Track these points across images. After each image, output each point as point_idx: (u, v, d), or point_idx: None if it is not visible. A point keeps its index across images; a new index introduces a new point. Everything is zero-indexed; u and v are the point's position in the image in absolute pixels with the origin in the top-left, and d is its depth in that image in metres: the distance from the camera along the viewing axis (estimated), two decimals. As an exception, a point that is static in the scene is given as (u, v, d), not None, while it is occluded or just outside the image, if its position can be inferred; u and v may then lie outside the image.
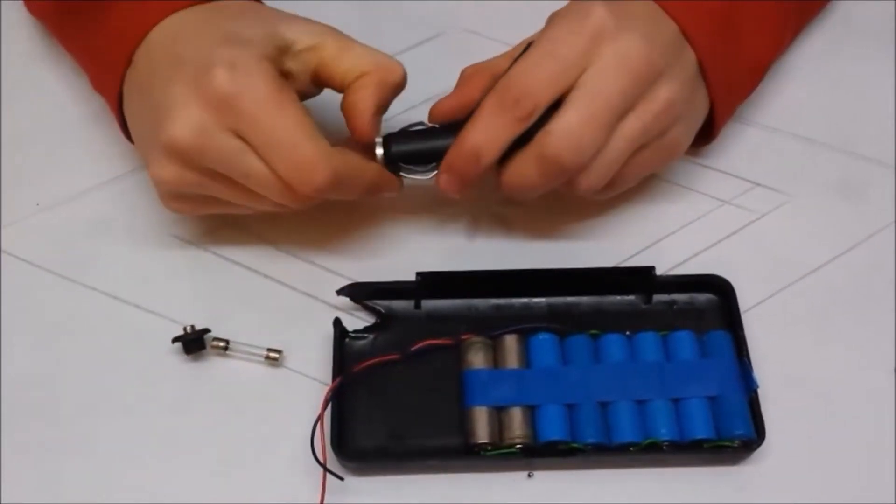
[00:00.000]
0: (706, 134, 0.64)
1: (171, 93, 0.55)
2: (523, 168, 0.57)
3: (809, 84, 0.71)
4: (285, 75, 0.57)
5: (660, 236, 0.64)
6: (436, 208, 0.65)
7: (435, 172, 0.59)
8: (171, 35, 0.58)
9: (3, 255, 0.63)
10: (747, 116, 0.69)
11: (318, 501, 0.54)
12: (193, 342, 0.58)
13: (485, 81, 0.59)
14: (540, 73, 0.56)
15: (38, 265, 0.63)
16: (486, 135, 0.56)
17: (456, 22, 0.72)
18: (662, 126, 0.58)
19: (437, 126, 0.60)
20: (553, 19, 0.58)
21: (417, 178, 0.59)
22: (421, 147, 0.59)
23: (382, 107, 0.58)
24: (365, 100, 0.57)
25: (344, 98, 0.58)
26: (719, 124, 0.64)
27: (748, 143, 0.69)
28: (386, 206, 0.64)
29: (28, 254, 0.63)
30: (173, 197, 0.59)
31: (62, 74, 0.71)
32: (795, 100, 0.70)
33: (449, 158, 0.58)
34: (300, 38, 0.58)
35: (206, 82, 0.54)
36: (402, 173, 0.59)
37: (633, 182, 0.61)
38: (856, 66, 0.72)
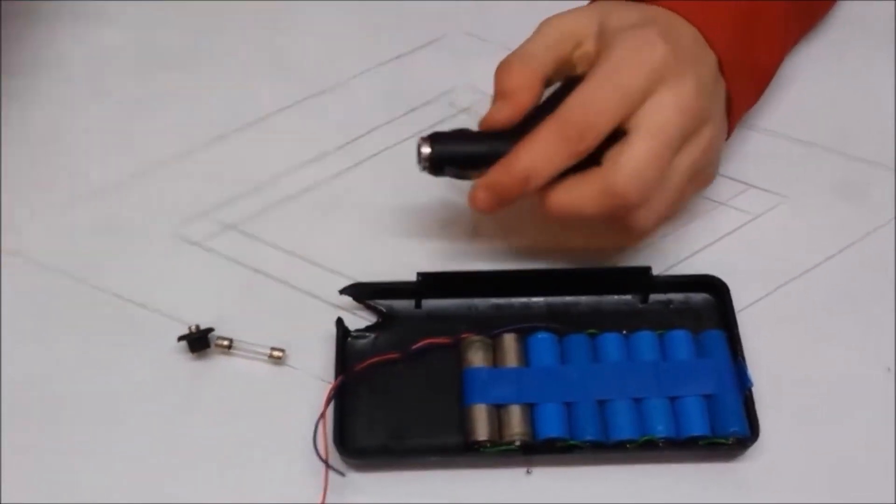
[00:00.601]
0: None
1: None
2: (582, 196, 0.57)
3: (806, 85, 0.71)
4: None
5: (656, 237, 0.65)
6: (437, 209, 0.65)
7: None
8: None
9: (3, 255, 0.63)
10: (743, 118, 0.70)
11: (321, 498, 0.55)
12: (198, 341, 0.59)
13: (535, 86, 0.58)
14: (604, 105, 0.55)
15: (42, 265, 0.63)
16: (542, 161, 0.56)
17: (457, 25, 0.72)
18: (707, 161, 0.60)
19: (485, 133, 0.58)
20: (613, 44, 0.57)
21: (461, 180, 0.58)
22: (468, 150, 0.58)
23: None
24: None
25: None
26: (730, 132, 0.64)
27: (744, 144, 0.69)
28: (388, 207, 0.65)
29: (30, 254, 0.63)
30: None
31: (65, 75, 0.71)
32: (792, 101, 0.71)
33: (495, 177, 0.57)
34: None
35: None
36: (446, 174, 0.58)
37: (674, 216, 0.63)
38: (855, 67, 0.72)
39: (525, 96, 0.57)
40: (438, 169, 0.58)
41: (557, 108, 0.56)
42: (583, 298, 0.62)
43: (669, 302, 0.62)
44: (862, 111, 0.71)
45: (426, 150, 0.57)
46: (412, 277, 0.61)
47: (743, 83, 0.62)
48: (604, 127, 0.55)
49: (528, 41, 0.59)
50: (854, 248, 0.65)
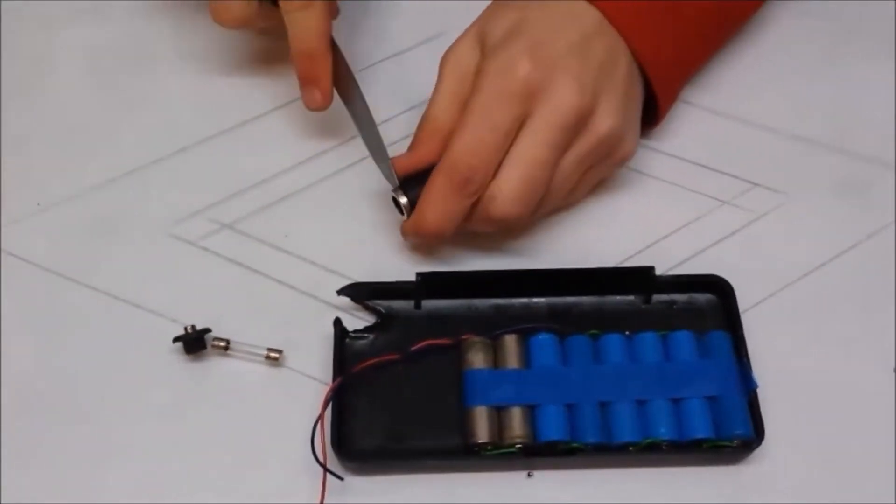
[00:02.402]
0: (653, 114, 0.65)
1: None
2: (477, 226, 0.61)
3: (809, 84, 0.71)
4: None
5: (659, 236, 0.64)
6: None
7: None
8: None
9: (3, 255, 0.63)
10: (747, 116, 0.70)
11: (318, 501, 0.54)
12: (195, 342, 0.59)
13: (437, 145, 0.60)
14: (482, 149, 0.58)
15: (39, 265, 0.63)
16: (442, 215, 0.59)
17: (456, 22, 0.71)
18: (603, 152, 0.61)
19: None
20: (482, 73, 0.59)
21: None
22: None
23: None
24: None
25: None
26: (664, 109, 0.65)
27: (747, 142, 0.69)
28: (387, 207, 0.64)
29: (28, 254, 0.63)
30: None
31: (63, 74, 0.71)
32: (795, 100, 0.71)
33: (413, 229, 0.60)
34: None
35: None
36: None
37: (583, 196, 0.65)
38: (856, 66, 0.72)
39: (425, 149, 0.61)
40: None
41: (443, 157, 0.58)
42: (585, 299, 0.61)
43: (673, 302, 0.62)
44: (865, 110, 0.71)
45: (404, 199, 0.60)
46: (412, 277, 0.60)
47: (663, 53, 0.63)
48: (488, 167, 0.58)
49: (433, 100, 0.62)
50: (859, 248, 0.65)
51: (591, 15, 0.61)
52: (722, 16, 0.68)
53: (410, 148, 0.62)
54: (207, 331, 0.59)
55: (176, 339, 0.59)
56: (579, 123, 0.59)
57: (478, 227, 0.61)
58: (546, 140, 0.58)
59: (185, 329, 0.59)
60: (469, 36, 0.62)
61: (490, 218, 0.59)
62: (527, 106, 0.58)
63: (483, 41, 0.61)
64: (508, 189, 0.58)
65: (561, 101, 0.58)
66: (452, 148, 0.58)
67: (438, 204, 0.59)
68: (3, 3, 0.74)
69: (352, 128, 0.63)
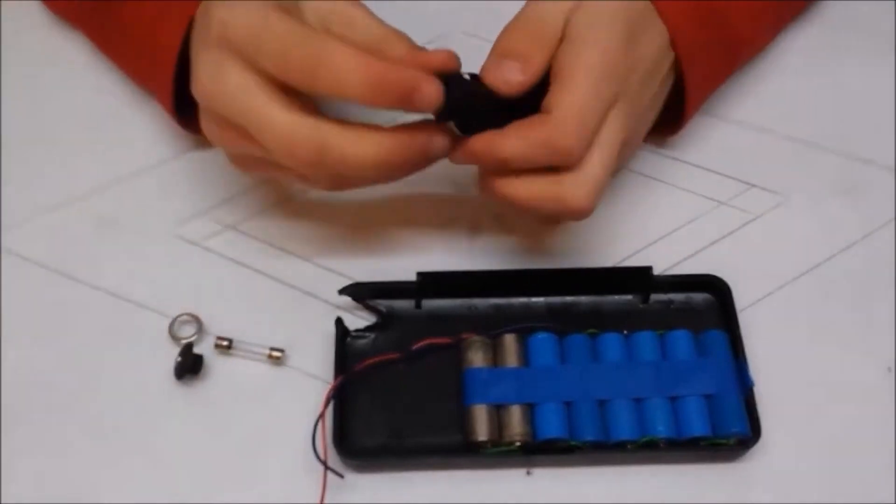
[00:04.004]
0: (675, 120, 0.65)
1: (192, 49, 0.56)
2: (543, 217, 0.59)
3: (808, 84, 0.71)
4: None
5: (657, 237, 0.65)
6: (437, 209, 0.65)
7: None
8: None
9: (3, 254, 0.63)
10: (744, 117, 0.70)
11: (319, 499, 0.55)
12: (190, 367, 0.58)
13: (546, 48, 0.55)
14: (585, 133, 0.54)
15: (40, 265, 0.63)
16: (522, 159, 0.54)
17: (456, 25, 0.72)
18: (635, 129, 0.60)
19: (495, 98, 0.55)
20: (592, 56, 0.55)
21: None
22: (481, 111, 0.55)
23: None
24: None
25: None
26: (689, 114, 0.64)
27: (745, 143, 0.69)
28: (388, 207, 0.64)
29: (29, 253, 0.63)
30: (231, 156, 0.58)
31: (65, 74, 0.71)
32: (793, 100, 0.71)
33: (477, 150, 0.55)
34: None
35: (205, 27, 0.54)
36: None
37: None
38: (855, 66, 0.72)
39: (538, 59, 0.55)
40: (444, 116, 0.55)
41: (553, 115, 0.54)
42: (583, 298, 0.62)
43: (670, 302, 0.62)
44: (863, 111, 0.71)
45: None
46: (412, 277, 0.60)
47: (703, 56, 0.62)
48: (582, 153, 0.54)
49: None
50: (855, 248, 0.65)
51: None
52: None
53: (509, 55, 0.55)
54: (201, 358, 0.59)
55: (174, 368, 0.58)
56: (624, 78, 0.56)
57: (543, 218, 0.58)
58: (624, 127, 0.56)
59: (178, 356, 0.58)
60: None
61: (566, 211, 0.56)
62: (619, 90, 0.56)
63: None
64: (595, 179, 0.55)
65: (638, 95, 0.57)
66: (562, 117, 0.53)
67: (525, 153, 0.54)
68: (2, 3, 0.74)
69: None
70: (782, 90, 0.71)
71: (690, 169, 0.68)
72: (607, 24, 0.56)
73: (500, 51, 0.56)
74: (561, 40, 0.56)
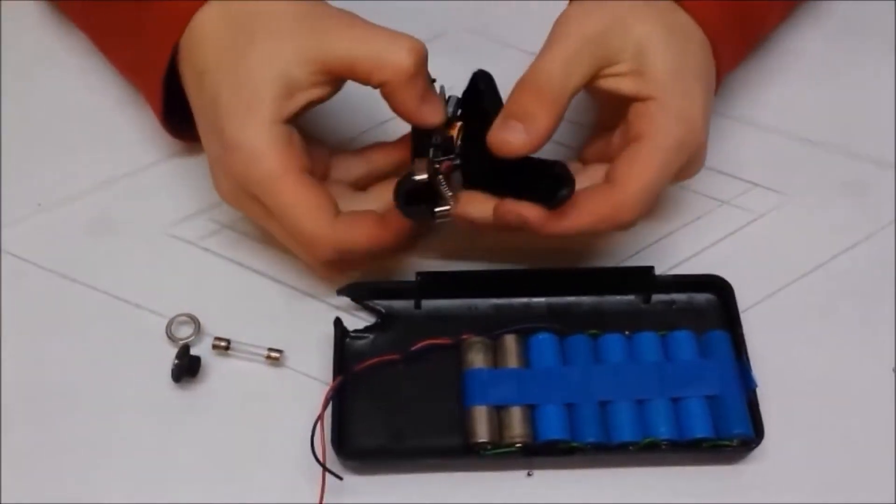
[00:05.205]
0: None
1: (207, 147, 0.59)
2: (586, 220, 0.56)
3: (809, 84, 0.71)
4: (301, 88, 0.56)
5: (659, 236, 0.65)
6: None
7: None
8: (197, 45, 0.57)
9: (3, 254, 0.63)
10: (747, 116, 0.70)
11: (318, 501, 0.54)
12: (187, 369, 0.58)
13: (555, 111, 0.55)
14: (650, 205, 0.56)
15: (38, 265, 0.63)
16: (584, 233, 0.56)
17: (458, 22, 0.72)
18: (694, 162, 0.60)
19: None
20: (665, 132, 0.56)
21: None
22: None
23: (422, 91, 0.56)
24: (403, 104, 0.57)
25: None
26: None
27: (747, 143, 0.69)
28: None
29: (28, 254, 0.63)
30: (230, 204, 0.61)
31: (63, 74, 0.71)
32: (795, 100, 0.71)
33: (547, 230, 0.55)
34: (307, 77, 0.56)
35: (223, 161, 0.56)
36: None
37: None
38: (856, 66, 0.72)
39: (543, 122, 0.54)
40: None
41: (618, 191, 0.55)
42: (584, 299, 0.61)
43: (672, 302, 0.62)
44: (865, 110, 0.71)
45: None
46: (412, 277, 0.60)
47: (731, 49, 0.62)
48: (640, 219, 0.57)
49: (544, 54, 0.56)
50: (858, 248, 0.65)
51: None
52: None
53: (514, 115, 0.55)
54: (198, 360, 0.59)
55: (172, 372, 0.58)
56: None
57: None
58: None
59: (176, 359, 0.58)
60: (602, 11, 0.56)
61: (615, 207, 0.56)
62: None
63: (630, 31, 0.56)
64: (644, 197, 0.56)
65: (700, 163, 0.59)
66: (628, 191, 0.55)
67: (588, 223, 0.55)
68: (2, 2, 0.74)
69: (352, 129, 0.63)
70: (786, 90, 0.71)
71: (692, 168, 0.67)
72: (692, 81, 0.57)
73: (505, 112, 0.55)
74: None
